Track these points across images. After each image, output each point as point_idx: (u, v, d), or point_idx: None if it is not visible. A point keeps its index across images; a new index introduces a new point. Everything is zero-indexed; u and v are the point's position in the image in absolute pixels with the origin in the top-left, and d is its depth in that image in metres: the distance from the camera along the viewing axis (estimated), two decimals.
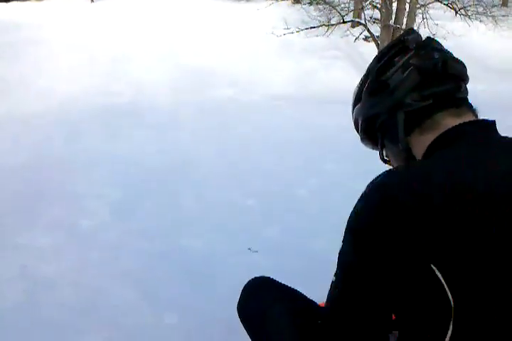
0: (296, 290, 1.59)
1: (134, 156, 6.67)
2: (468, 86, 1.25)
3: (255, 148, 6.87)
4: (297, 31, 16.34)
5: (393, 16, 15.74)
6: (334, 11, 16.99)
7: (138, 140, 7.86)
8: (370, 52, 16.96)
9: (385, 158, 1.41)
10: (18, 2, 21.07)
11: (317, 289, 2.39)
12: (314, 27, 16.58)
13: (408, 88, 1.22)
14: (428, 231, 0.94)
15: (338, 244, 3.05)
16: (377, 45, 15.34)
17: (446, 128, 1.15)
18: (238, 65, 16.05)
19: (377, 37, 15.63)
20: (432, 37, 1.37)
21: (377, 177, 1.15)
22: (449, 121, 1.17)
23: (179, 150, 6.98)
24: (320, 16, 17.53)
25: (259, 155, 6.38)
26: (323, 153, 6.28)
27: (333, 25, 16.64)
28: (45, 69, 14.99)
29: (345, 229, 1.15)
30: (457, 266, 0.91)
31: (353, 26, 18.19)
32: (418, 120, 1.21)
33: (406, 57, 1.25)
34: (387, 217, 1.01)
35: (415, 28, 16.40)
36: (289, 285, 1.64)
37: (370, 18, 17.57)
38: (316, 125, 8.48)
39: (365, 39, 18.09)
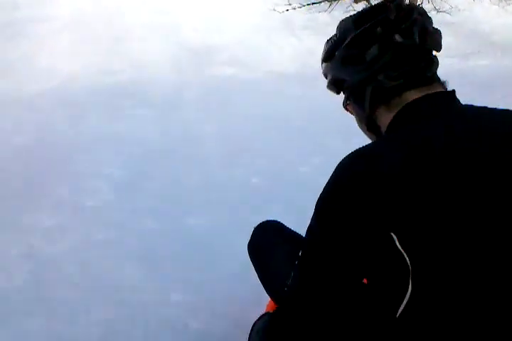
0: (302, 236, 1.52)
1: (136, 136, 6.66)
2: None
3: (258, 127, 6.83)
4: (299, 7, 16.08)
5: None
6: None
7: (140, 119, 7.82)
8: None
9: (347, 106, 1.50)
10: None
11: None
12: (316, 3, 16.36)
13: (383, 66, 1.22)
14: (388, 201, 0.98)
15: None
16: None
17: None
18: (240, 42, 15.88)
19: None
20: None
21: (344, 158, 1.23)
22: (434, 90, 1.21)
23: (182, 129, 6.96)
24: None
25: (262, 134, 6.36)
26: (327, 131, 6.24)
27: (335, 0, 16.36)
28: (46, 47, 14.85)
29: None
30: (414, 233, 0.95)
31: (356, 2, 17.89)
32: (386, 97, 1.25)
33: (386, 31, 1.22)
34: (349, 190, 1.08)
35: (418, 2, 16.13)
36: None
37: None
38: (316, 103, 8.41)
39: None
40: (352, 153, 1.23)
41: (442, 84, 1.28)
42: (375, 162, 1.08)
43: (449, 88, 1.27)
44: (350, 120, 5.07)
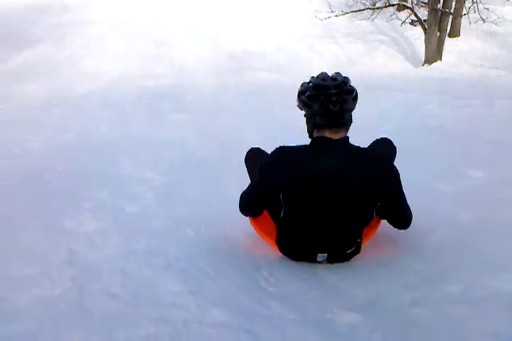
0: None
1: (177, 140, 6.73)
2: None
3: (298, 134, 6.78)
4: (341, 15, 15.97)
5: (441, 0, 15.18)
6: None
7: (181, 123, 7.91)
8: (416, 36, 16.47)
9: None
10: None
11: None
12: (359, 10, 16.20)
13: (319, 114, 2.52)
14: (290, 179, 2.52)
15: (387, 241, 2.95)
16: (425, 29, 14.85)
17: (319, 138, 2.59)
18: (280, 48, 15.89)
19: (425, 21, 15.11)
20: (347, 80, 2.61)
21: (276, 148, 2.69)
22: (327, 134, 2.58)
23: (221, 134, 6.99)
24: (365, 0, 17.13)
25: (302, 141, 6.30)
26: (366, 141, 6.14)
27: (378, 8, 16.21)
28: (91, 50, 15.24)
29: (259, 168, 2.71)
30: (289, 192, 2.57)
31: (399, 10, 17.67)
32: (317, 128, 2.59)
33: (325, 99, 2.48)
34: (278, 166, 2.60)
35: (464, 12, 15.79)
36: None
37: (418, 1, 17.01)
38: (357, 113, 8.31)
39: (412, 23, 17.55)
40: (279, 147, 2.71)
41: (346, 130, 2.67)
42: (292, 155, 2.62)
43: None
44: (391, 131, 4.99)
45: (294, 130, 7.08)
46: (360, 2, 16.84)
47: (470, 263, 2.77)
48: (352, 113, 2.57)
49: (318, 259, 2.67)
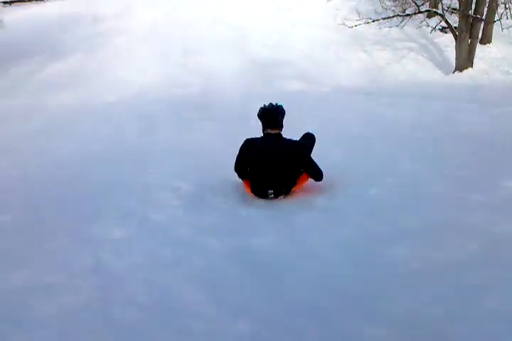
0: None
1: (204, 148, 6.74)
2: None
3: (324, 143, 6.71)
4: (370, 22, 15.81)
5: (473, 6, 14.91)
6: (409, 0, 16.31)
7: (208, 132, 7.94)
8: (447, 43, 16.20)
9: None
10: None
11: (386, 309, 2.25)
12: (388, 17, 16.00)
13: (265, 122, 4.58)
14: (251, 153, 4.54)
15: (419, 251, 2.88)
16: (455, 36, 14.59)
17: (266, 133, 4.59)
18: (308, 56, 15.84)
19: (455, 28, 14.86)
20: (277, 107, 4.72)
21: (246, 139, 4.72)
22: (269, 131, 4.54)
23: None
24: (394, 6, 16.89)
25: (328, 151, 6.22)
26: (396, 150, 6.03)
27: (407, 15, 15.98)
28: (121, 60, 15.47)
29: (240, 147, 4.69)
30: (251, 159, 4.54)
31: (429, 17, 17.43)
32: (265, 128, 4.58)
33: (266, 118, 4.59)
34: (246, 147, 4.61)
35: (496, 18, 15.48)
36: None
37: (448, 7, 16.75)
38: (387, 120, 8.21)
39: (442, 30, 17.27)
40: (247, 139, 4.68)
41: (280, 129, 4.61)
42: (252, 141, 4.61)
43: None
44: (422, 140, 4.85)
45: (324, 137, 7.06)
46: (390, 9, 16.66)
47: (506, 279, 2.65)
48: (283, 120, 4.66)
49: (269, 195, 4.45)
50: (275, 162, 4.38)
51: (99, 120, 9.50)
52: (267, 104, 4.65)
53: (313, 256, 3.07)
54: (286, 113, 4.62)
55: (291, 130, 7.80)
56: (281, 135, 4.56)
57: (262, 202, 4.36)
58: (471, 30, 14.49)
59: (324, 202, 4.30)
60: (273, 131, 4.50)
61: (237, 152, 4.64)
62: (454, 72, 14.52)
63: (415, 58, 15.88)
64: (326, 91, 12.09)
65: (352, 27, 16.03)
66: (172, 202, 4.42)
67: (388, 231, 3.44)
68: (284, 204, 4.32)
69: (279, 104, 4.69)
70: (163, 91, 12.40)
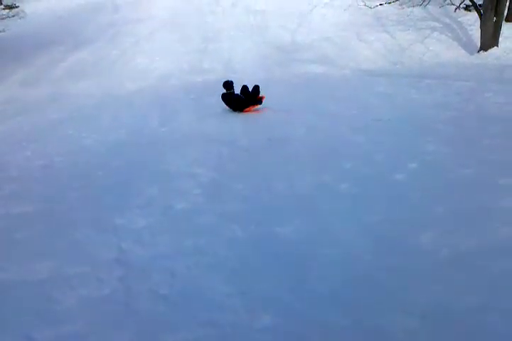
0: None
1: (225, 135, 6.71)
2: None
3: (345, 127, 6.62)
4: (391, 2, 15.43)
5: None
6: None
7: (228, 118, 7.90)
8: (471, 22, 15.75)
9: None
10: None
11: (422, 298, 2.18)
12: None
13: (225, 88, 8.41)
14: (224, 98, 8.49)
15: (446, 239, 2.80)
16: (480, 14, 14.15)
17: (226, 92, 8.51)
18: (328, 39, 15.58)
19: (480, 5, 14.40)
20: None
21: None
22: (225, 91, 8.47)
23: (269, 128, 6.93)
24: None
25: (349, 135, 6.13)
26: (420, 133, 5.90)
27: None
28: (142, 48, 15.48)
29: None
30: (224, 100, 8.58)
31: None
32: (225, 90, 8.45)
33: (228, 87, 8.43)
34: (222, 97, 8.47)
35: None
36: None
37: None
38: (411, 103, 8.04)
39: (466, 8, 16.77)
40: (222, 93, 8.52)
41: (232, 89, 8.46)
42: (223, 95, 8.45)
43: None
44: (449, 121, 4.69)
45: (344, 120, 6.96)
46: None
47: None
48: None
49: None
50: (232, 101, 8.30)
51: (121, 108, 9.53)
52: (226, 80, 8.42)
53: (337, 244, 3.02)
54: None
55: (313, 110, 7.78)
56: (233, 92, 8.37)
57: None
58: (496, 8, 14.02)
59: (348, 187, 4.23)
60: (228, 91, 8.33)
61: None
62: (478, 52, 14.12)
63: (439, 38, 15.48)
64: (347, 74, 11.89)
65: (373, 7, 15.70)
66: (194, 189, 4.41)
67: (416, 217, 3.36)
68: (307, 190, 4.26)
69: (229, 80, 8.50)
70: (184, 77, 12.37)
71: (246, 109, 8.23)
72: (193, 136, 6.86)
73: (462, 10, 16.63)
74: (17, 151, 6.66)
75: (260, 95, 8.26)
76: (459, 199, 3.58)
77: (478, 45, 14.29)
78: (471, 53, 14.27)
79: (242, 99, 8.24)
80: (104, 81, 12.76)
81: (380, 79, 10.70)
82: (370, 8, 15.65)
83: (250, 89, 8.30)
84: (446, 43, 15.02)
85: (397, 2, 15.58)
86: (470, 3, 15.20)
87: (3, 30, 16.01)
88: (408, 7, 15.90)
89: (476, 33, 14.74)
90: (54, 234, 3.43)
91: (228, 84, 8.32)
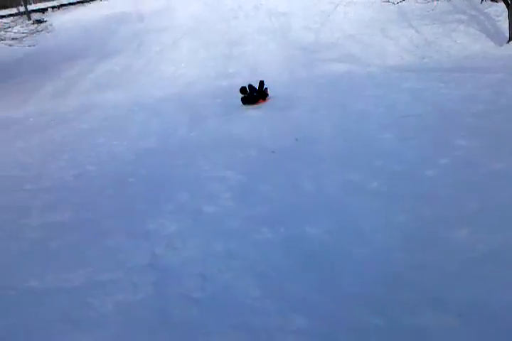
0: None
1: (252, 137, 6.73)
2: None
3: (373, 125, 6.55)
4: None
5: None
6: None
7: (255, 120, 7.91)
8: (499, 13, 15.38)
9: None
10: None
11: (454, 296, 2.13)
12: None
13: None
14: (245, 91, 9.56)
15: (480, 235, 2.73)
16: (507, 4, 13.81)
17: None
18: (352, 37, 15.45)
19: None
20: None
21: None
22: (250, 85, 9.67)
23: (295, 128, 6.91)
24: None
25: (378, 133, 6.06)
26: (450, 127, 5.79)
27: None
28: (167, 56, 15.68)
29: None
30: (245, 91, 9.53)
31: None
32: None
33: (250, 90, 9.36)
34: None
35: None
36: None
37: None
38: (440, 97, 7.89)
39: None
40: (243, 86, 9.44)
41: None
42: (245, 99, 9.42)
43: None
44: (480, 115, 4.57)
45: (372, 118, 6.88)
46: None
47: None
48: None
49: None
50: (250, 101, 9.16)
51: (150, 116, 9.67)
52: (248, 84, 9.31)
53: (368, 243, 2.99)
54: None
55: (339, 109, 7.73)
56: (248, 95, 9.23)
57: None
58: None
59: (378, 186, 4.18)
60: (244, 94, 9.16)
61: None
62: (508, 43, 13.77)
63: (466, 31, 15.18)
64: (373, 71, 11.75)
65: (397, 3, 15.49)
66: (223, 193, 4.43)
67: (447, 214, 3.29)
68: (336, 190, 4.23)
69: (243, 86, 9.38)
70: (210, 83, 12.46)
71: (258, 102, 9.39)
72: (221, 139, 6.90)
73: (488, 1, 16.27)
74: (50, 162, 6.82)
75: (265, 87, 9.60)
76: (492, 195, 3.50)
77: (507, 35, 13.94)
78: (500, 44, 13.94)
79: (256, 97, 9.36)
80: (132, 90, 12.97)
81: (407, 74, 10.55)
82: (394, 3, 15.45)
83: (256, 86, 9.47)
84: (473, 36, 14.71)
85: None
86: None
87: (33, 45, 16.46)
88: (433, 1, 15.63)
89: (504, 23, 14.39)
90: (88, 242, 3.50)
91: (243, 89, 9.33)
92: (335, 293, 2.37)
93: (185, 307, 2.38)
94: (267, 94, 9.47)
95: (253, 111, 8.54)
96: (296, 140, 6.23)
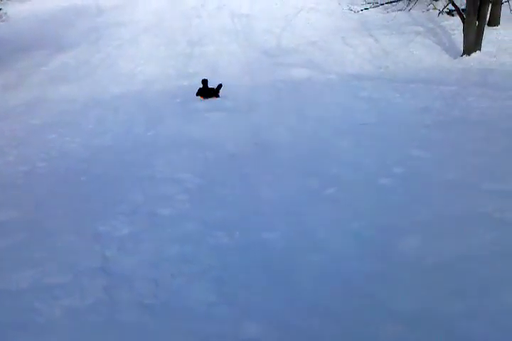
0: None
1: (211, 140, 6.67)
2: None
3: (331, 132, 6.63)
4: (376, 6, 15.52)
5: None
6: None
7: (215, 123, 7.85)
8: (454, 26, 15.93)
9: None
10: None
11: (405, 294, 2.17)
12: (393, 1, 15.70)
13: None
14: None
15: (431, 244, 2.79)
16: (463, 18, 14.31)
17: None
18: (313, 43, 15.62)
19: (463, 10, 14.57)
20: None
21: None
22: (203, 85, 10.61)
23: (254, 133, 6.90)
24: None
25: (335, 140, 6.14)
26: (404, 137, 5.93)
27: None
28: (126, 52, 15.35)
29: None
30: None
31: None
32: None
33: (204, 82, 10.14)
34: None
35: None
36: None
37: None
38: (395, 107, 8.08)
39: (449, 13, 16.96)
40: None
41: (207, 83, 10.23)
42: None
43: None
44: (433, 126, 4.68)
45: (330, 125, 6.97)
46: None
47: None
48: None
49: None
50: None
51: (106, 112, 9.44)
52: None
53: (323, 250, 3.00)
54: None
55: (298, 115, 7.79)
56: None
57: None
58: (478, 13, 14.18)
59: (334, 192, 4.22)
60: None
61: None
62: (462, 56, 14.26)
63: (422, 42, 15.63)
64: (332, 78, 11.91)
65: (358, 12, 15.78)
66: (179, 195, 4.36)
67: (401, 222, 3.36)
68: (293, 195, 4.24)
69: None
70: (169, 82, 12.30)
71: (208, 98, 10.11)
72: (178, 140, 6.81)
73: (445, 14, 16.82)
74: None
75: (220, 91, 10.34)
76: (444, 204, 3.59)
77: (461, 49, 14.44)
78: (454, 57, 14.42)
79: (211, 93, 10.05)
80: (87, 85, 12.64)
81: (365, 83, 10.75)
82: (355, 12, 15.74)
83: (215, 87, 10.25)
84: (429, 48, 15.16)
85: (382, 7, 15.71)
86: (453, 8, 15.36)
87: None
88: (392, 11, 16.02)
89: (458, 37, 14.91)
90: (36, 242, 3.36)
91: (204, 81, 10.17)
92: (290, 300, 2.36)
93: (136, 314, 2.31)
94: (218, 96, 10.18)
95: (213, 113, 8.48)
96: (256, 144, 6.23)
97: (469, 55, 14.14)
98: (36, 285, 2.66)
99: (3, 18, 17.81)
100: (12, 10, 19.17)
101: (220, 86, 10.14)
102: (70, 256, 3.08)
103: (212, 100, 9.82)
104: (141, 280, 2.67)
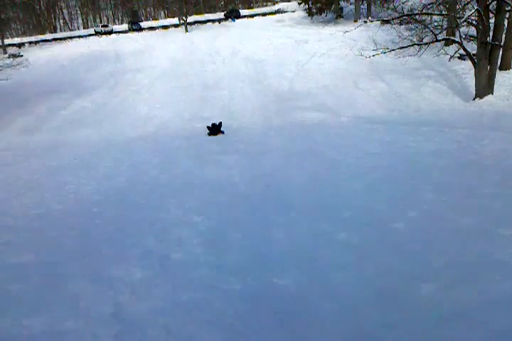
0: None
1: (224, 182, 6.72)
2: None
3: (343, 174, 6.64)
4: (387, 51, 15.87)
5: (491, 33, 14.90)
6: (427, 29, 16.40)
7: (228, 165, 7.93)
8: (466, 70, 16.17)
9: None
10: (120, 34, 22.42)
11: None
12: (404, 47, 16.05)
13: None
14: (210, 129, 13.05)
15: (449, 291, 2.73)
16: (474, 63, 14.54)
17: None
18: (326, 87, 15.91)
19: (474, 55, 14.83)
20: None
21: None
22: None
23: (268, 175, 6.94)
24: (411, 36, 17.01)
25: (347, 183, 6.14)
26: (418, 181, 5.90)
27: (425, 44, 16.01)
28: (142, 96, 15.82)
29: None
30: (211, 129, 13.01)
31: (447, 45, 17.48)
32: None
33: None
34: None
35: None
36: None
37: (466, 35, 16.80)
38: (408, 150, 8.11)
39: (460, 57, 17.29)
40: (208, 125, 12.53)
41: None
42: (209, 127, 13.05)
43: None
44: (446, 170, 4.67)
45: (343, 169, 6.99)
46: (407, 38, 16.75)
47: None
48: None
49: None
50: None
51: (121, 155, 9.60)
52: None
53: (337, 298, 2.95)
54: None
55: (310, 158, 7.85)
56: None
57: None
58: (489, 57, 14.43)
59: (347, 237, 4.18)
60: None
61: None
62: (474, 99, 14.41)
63: (434, 86, 15.86)
64: (344, 121, 12.06)
65: (369, 57, 16.12)
66: (192, 239, 4.35)
67: (416, 269, 3.29)
68: (306, 239, 4.21)
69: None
70: (184, 125, 12.55)
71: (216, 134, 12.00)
72: (192, 183, 6.87)
73: (456, 59, 17.12)
74: (14, 199, 6.64)
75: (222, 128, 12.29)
76: (460, 250, 3.53)
77: (473, 92, 14.59)
78: (467, 101, 14.56)
79: (217, 131, 11.80)
80: (104, 128, 12.95)
81: (377, 126, 10.86)
82: (366, 57, 16.08)
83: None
84: (441, 91, 15.35)
85: (393, 52, 16.04)
86: (464, 53, 15.63)
87: (6, 79, 16.39)
88: (403, 57, 16.35)
89: (470, 80, 15.10)
90: (49, 287, 3.35)
91: (212, 125, 12.06)
92: None
93: None
94: (223, 133, 11.93)
95: (226, 156, 8.57)
96: (268, 187, 6.25)
97: (481, 98, 14.27)
98: (48, 331, 2.64)
99: (25, 63, 18.53)
100: (32, 56, 19.94)
101: (220, 124, 11.77)
102: (82, 301, 3.06)
103: (225, 141, 10.13)
104: (153, 328, 2.63)
